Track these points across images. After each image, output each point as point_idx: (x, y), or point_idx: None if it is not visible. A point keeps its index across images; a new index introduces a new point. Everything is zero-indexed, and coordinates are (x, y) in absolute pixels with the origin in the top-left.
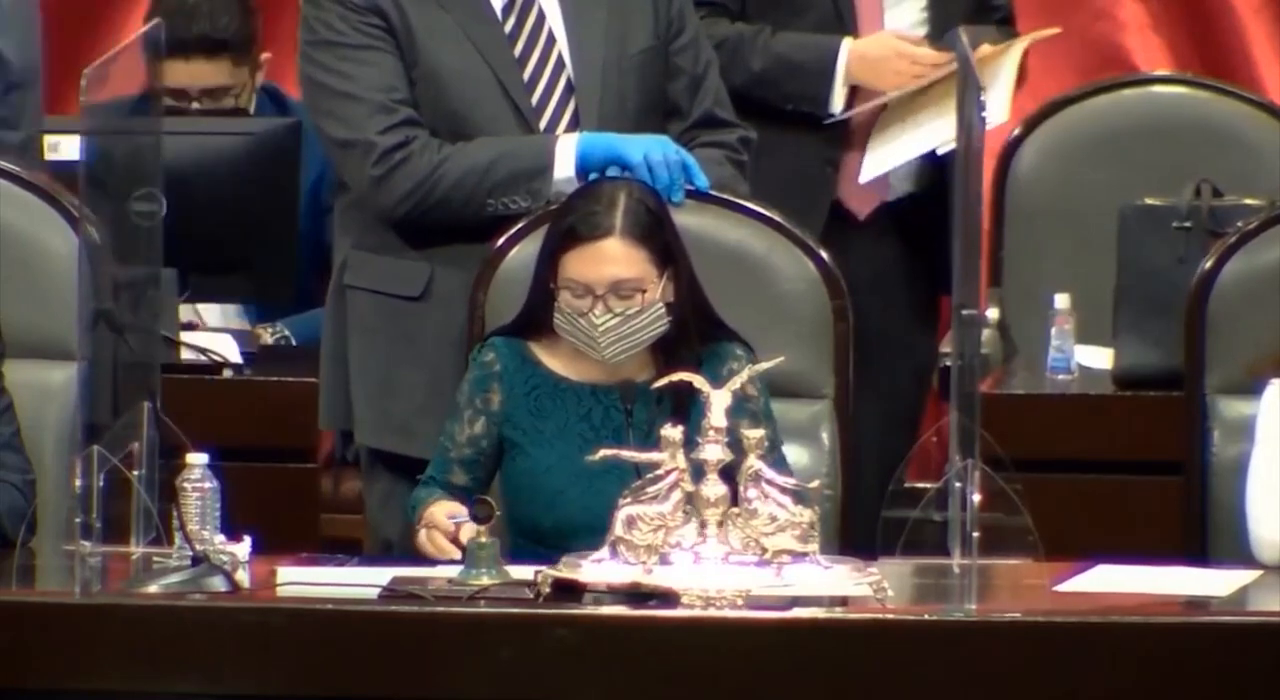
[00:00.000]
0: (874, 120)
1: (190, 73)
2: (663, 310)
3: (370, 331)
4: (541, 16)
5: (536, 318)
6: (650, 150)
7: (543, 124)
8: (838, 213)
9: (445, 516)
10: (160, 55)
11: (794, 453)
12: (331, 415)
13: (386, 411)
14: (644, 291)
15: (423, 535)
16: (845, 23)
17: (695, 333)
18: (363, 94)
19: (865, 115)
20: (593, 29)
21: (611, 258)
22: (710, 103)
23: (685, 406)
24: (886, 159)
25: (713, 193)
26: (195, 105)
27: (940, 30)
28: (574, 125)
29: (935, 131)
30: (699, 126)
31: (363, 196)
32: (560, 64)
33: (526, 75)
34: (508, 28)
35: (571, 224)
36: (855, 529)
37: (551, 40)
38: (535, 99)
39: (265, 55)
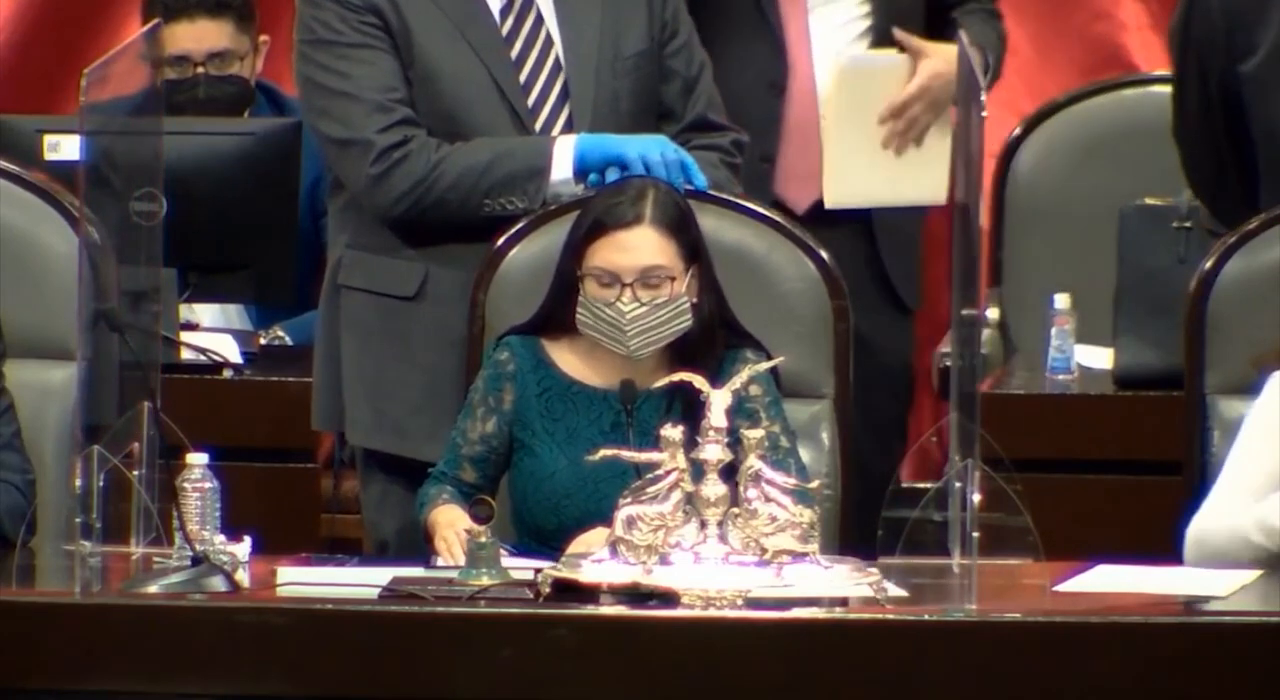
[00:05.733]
0: (804, 118)
1: (195, 34)
2: (687, 305)
3: (364, 331)
4: (540, 18)
5: (556, 316)
6: (648, 150)
7: (538, 125)
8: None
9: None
10: (161, 57)
11: None
12: (325, 415)
13: (379, 412)
14: (673, 280)
15: (443, 544)
16: (769, 23)
17: (720, 337)
18: (360, 93)
19: (799, 110)
20: (588, 31)
21: (641, 245)
22: (703, 106)
23: (696, 411)
24: (856, 195)
25: (712, 192)
26: (200, 70)
27: (883, 31)
28: (569, 127)
29: (921, 184)
30: (692, 129)
31: (360, 196)
32: (557, 65)
33: (523, 77)
34: (505, 29)
35: (599, 215)
36: (856, 529)
37: (549, 42)
38: (531, 100)
39: (264, 38)
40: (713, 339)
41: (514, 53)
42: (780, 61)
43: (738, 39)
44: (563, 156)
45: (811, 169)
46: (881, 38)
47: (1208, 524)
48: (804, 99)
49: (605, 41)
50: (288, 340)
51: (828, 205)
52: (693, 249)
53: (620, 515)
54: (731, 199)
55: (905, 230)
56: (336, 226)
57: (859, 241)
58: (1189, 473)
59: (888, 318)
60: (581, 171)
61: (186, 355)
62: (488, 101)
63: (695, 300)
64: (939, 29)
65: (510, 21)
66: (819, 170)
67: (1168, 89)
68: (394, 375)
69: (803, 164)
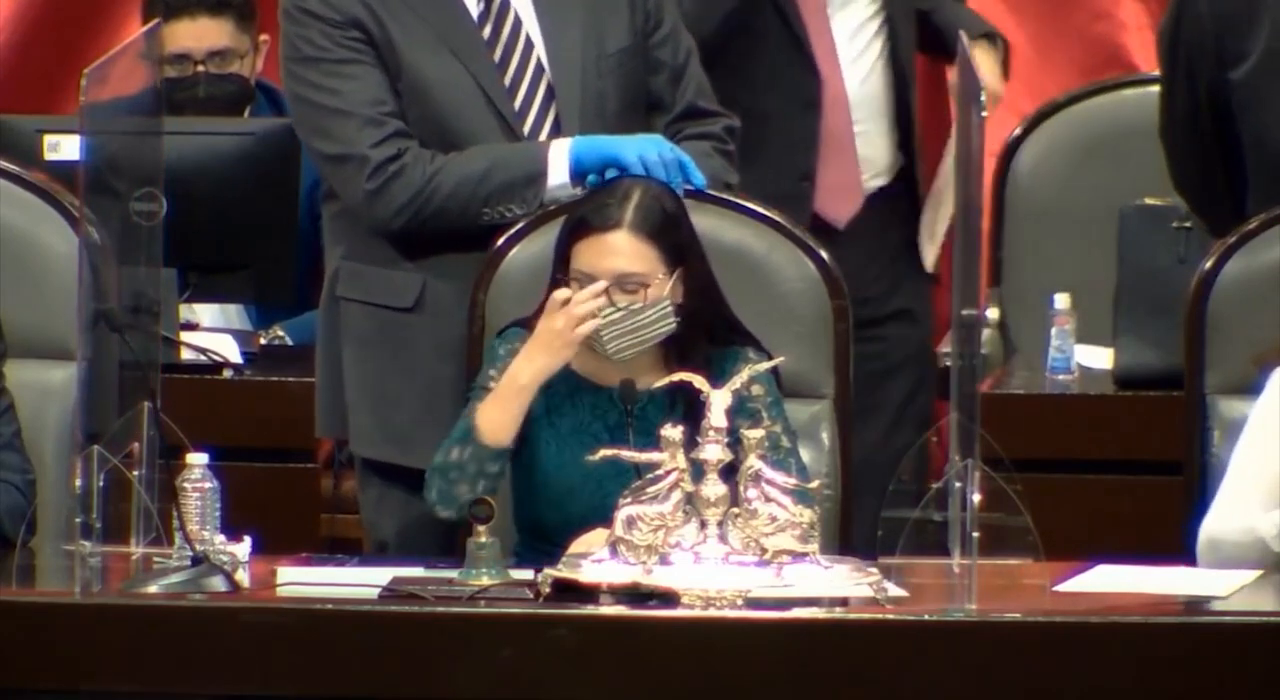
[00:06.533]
0: (839, 130)
1: (195, 32)
2: (670, 309)
3: (363, 342)
4: (518, 22)
5: None
6: (645, 151)
7: (526, 128)
8: (816, 225)
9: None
10: (160, 56)
11: None
12: (327, 423)
13: (381, 422)
14: (648, 286)
15: (558, 323)
16: (799, 40)
17: (707, 336)
18: (351, 108)
19: (833, 124)
20: (569, 31)
21: (617, 250)
22: (693, 94)
23: (697, 411)
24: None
25: (712, 192)
26: (200, 68)
27: (891, 29)
28: (556, 129)
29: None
30: (683, 118)
31: (358, 209)
32: (540, 68)
33: (507, 81)
34: (485, 34)
35: (583, 214)
36: (856, 529)
37: (530, 45)
38: (517, 104)
39: (264, 37)
40: (700, 338)
41: (496, 57)
42: (813, 77)
43: (769, 59)
44: (558, 161)
45: (850, 182)
46: (892, 38)
47: (1221, 527)
48: (838, 111)
49: (588, 41)
50: (288, 340)
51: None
52: (677, 252)
53: (620, 515)
54: (732, 199)
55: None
56: (332, 237)
57: (900, 204)
58: (1189, 473)
59: (927, 298)
60: (578, 175)
61: (186, 355)
62: (475, 107)
63: (682, 301)
64: (928, 33)
65: (490, 26)
66: (859, 182)
67: None
68: (394, 386)
69: (841, 177)
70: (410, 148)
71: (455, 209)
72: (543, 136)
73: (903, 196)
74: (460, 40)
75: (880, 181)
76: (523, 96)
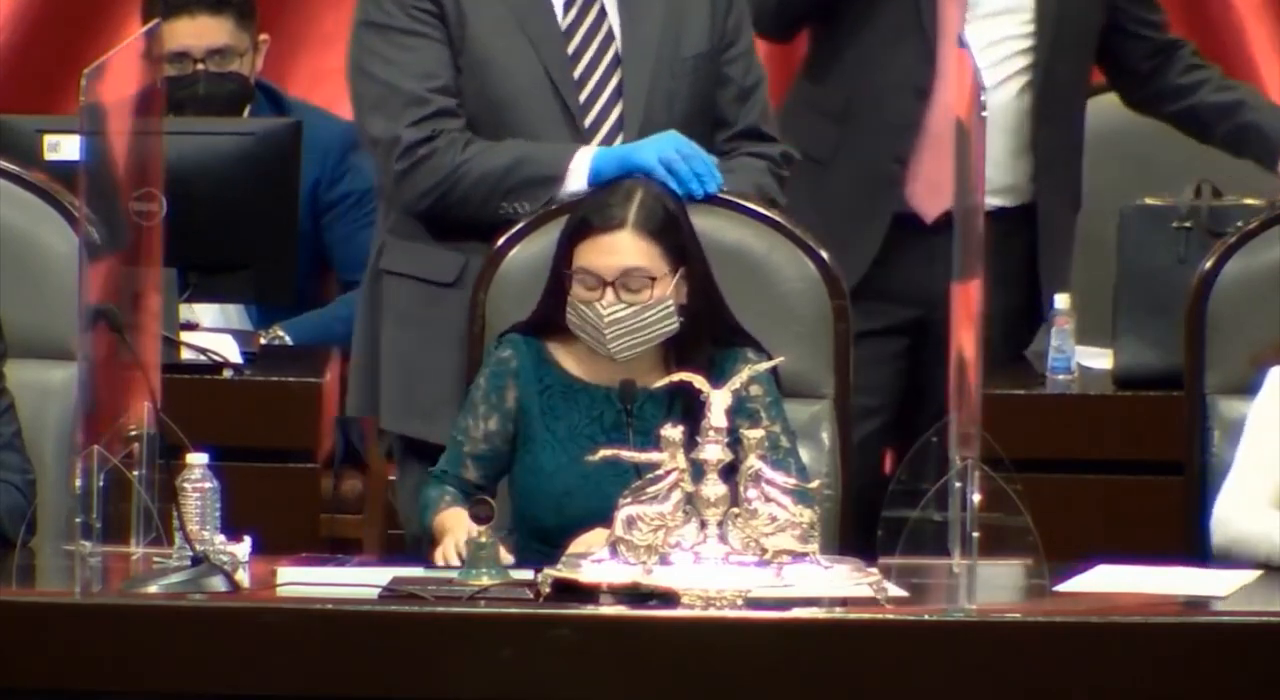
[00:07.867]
0: (945, 127)
1: (195, 30)
2: (673, 308)
3: (402, 316)
4: (603, 13)
5: (552, 315)
6: (663, 150)
7: (588, 121)
8: (905, 217)
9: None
10: (160, 54)
11: None
12: (358, 402)
13: (412, 396)
14: (654, 280)
15: (445, 550)
16: (924, 28)
17: (708, 337)
18: (399, 83)
19: (941, 118)
20: (649, 28)
21: (622, 249)
22: (756, 117)
23: (696, 411)
24: None
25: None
26: (200, 66)
27: (1043, 57)
28: (619, 125)
29: None
30: (743, 137)
31: (389, 190)
32: (615, 62)
33: (578, 72)
34: (566, 22)
35: (585, 214)
36: (857, 529)
37: (610, 37)
38: (584, 96)
39: (264, 36)
40: (702, 340)
41: (572, 47)
42: (929, 67)
43: (888, 38)
44: (579, 168)
45: (946, 178)
46: (1041, 64)
47: (1239, 517)
48: (948, 108)
49: (665, 41)
50: (288, 340)
51: None
52: (679, 252)
53: (620, 515)
54: (732, 199)
55: (1064, 223)
56: (383, 213)
57: (1019, 235)
58: (1189, 473)
59: (1025, 314)
60: (597, 185)
61: (186, 355)
62: (540, 95)
63: (683, 302)
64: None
65: (573, 14)
66: (950, 183)
67: None
68: (430, 361)
69: (937, 172)
70: (445, 131)
71: (478, 198)
72: (603, 131)
73: (1021, 224)
74: (538, 25)
75: (996, 201)
76: (591, 89)
